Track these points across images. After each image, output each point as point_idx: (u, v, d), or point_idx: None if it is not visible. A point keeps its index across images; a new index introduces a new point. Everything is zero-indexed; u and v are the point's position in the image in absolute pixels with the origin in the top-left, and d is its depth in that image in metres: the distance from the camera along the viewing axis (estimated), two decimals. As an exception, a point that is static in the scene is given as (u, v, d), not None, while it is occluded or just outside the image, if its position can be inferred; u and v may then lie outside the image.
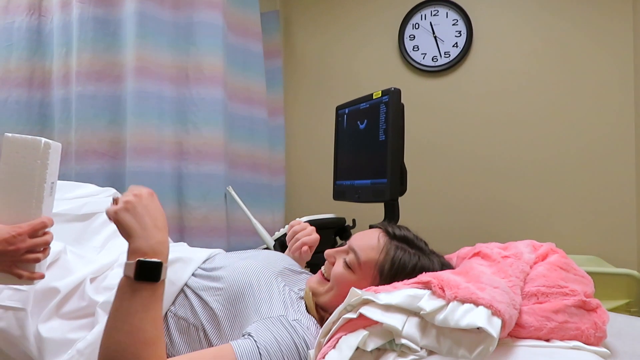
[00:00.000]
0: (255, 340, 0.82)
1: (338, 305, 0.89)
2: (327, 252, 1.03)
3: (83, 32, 1.86)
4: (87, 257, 1.13)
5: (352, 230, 1.86)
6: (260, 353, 0.80)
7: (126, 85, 1.87)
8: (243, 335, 0.85)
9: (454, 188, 2.36)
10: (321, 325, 0.92)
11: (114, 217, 0.83)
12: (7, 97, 1.94)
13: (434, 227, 2.27)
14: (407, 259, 0.94)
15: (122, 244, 1.24)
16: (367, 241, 0.97)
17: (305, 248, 1.17)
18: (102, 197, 1.42)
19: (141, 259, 0.78)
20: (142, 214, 0.84)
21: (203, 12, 1.94)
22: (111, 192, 1.47)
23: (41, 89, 1.98)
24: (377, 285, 0.90)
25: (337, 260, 1.00)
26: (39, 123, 1.97)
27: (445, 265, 0.97)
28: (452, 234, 2.28)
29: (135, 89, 1.84)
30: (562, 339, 0.78)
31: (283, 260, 1.14)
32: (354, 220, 1.90)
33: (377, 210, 1.73)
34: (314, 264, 1.37)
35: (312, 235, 1.20)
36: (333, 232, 1.85)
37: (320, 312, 0.97)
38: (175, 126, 1.93)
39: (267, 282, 0.97)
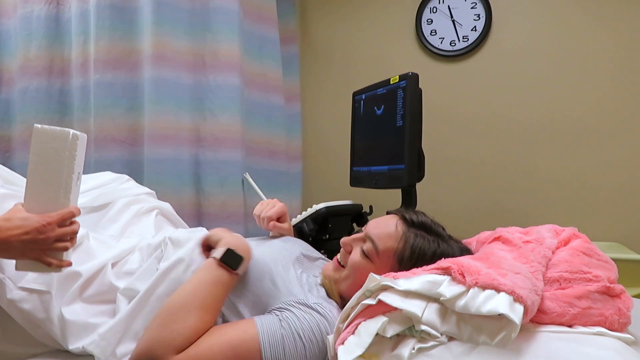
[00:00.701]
0: (277, 314, 0.85)
1: (354, 292, 0.90)
2: (344, 240, 1.01)
3: (100, 19, 1.87)
4: (108, 242, 1.15)
5: (369, 217, 1.85)
6: (281, 325, 0.83)
7: (143, 72, 1.88)
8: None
9: (472, 174, 2.33)
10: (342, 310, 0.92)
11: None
12: (28, 85, 1.97)
13: (452, 212, 2.25)
14: (427, 246, 0.92)
15: (141, 230, 1.27)
16: (385, 229, 0.96)
17: (272, 224, 1.21)
18: (115, 185, 1.43)
19: (231, 248, 0.93)
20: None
21: (219, -2, 1.93)
22: (124, 178, 1.49)
23: (60, 77, 2.00)
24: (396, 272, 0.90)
25: (354, 249, 0.99)
26: (58, 111, 2.00)
27: (465, 251, 0.96)
28: (470, 219, 2.26)
29: (153, 76, 1.84)
30: (585, 325, 0.76)
31: (299, 246, 1.14)
32: (370, 207, 1.89)
33: (394, 196, 1.72)
34: (331, 250, 1.37)
35: (274, 207, 1.23)
36: (350, 218, 1.85)
37: (342, 300, 0.97)
38: (192, 113, 1.94)
39: (285, 269, 0.98)
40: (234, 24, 1.95)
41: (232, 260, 0.92)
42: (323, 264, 1.10)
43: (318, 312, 0.86)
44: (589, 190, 2.15)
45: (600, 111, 2.13)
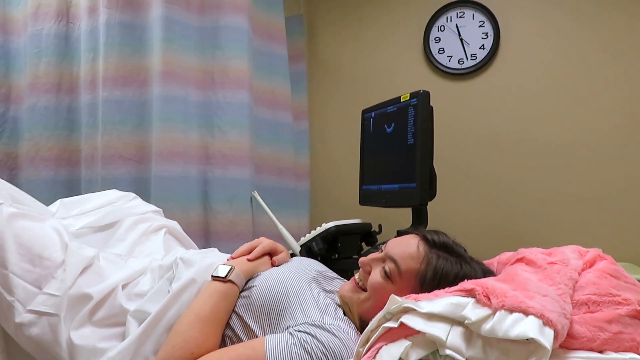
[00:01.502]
0: (290, 334, 0.84)
1: (374, 313, 0.87)
2: (362, 260, 0.98)
3: (110, 37, 1.87)
4: (119, 263, 1.12)
5: (378, 236, 1.83)
6: (293, 344, 0.82)
7: (152, 89, 1.87)
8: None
9: (482, 192, 2.31)
10: (361, 332, 0.89)
11: None
12: (36, 102, 1.97)
13: (463, 231, 2.21)
14: (449, 268, 0.89)
15: (149, 250, 1.24)
16: (406, 249, 0.93)
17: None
18: (121, 203, 1.41)
19: (220, 264, 1.03)
20: None
21: (229, 16, 1.93)
22: (131, 196, 1.47)
23: (69, 94, 2.00)
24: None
25: (373, 269, 0.95)
26: (66, 128, 1.99)
27: (487, 272, 0.93)
28: (481, 238, 2.22)
29: (161, 94, 1.84)
30: (616, 351, 0.73)
31: (315, 265, 1.12)
32: (380, 226, 1.87)
33: (404, 215, 1.70)
34: (341, 269, 1.34)
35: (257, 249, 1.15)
36: (359, 237, 1.82)
37: (361, 322, 0.94)
38: (200, 130, 1.93)
39: (302, 289, 0.95)
40: (243, 41, 1.95)
41: (220, 271, 1.00)
42: (340, 283, 1.07)
43: (333, 334, 0.84)
44: (601, 210, 2.12)
45: (610, 129, 2.12)
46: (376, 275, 0.93)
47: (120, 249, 1.22)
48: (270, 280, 0.98)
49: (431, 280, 0.89)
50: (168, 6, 1.84)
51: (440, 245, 0.93)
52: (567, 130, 2.18)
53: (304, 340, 0.81)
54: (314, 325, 0.85)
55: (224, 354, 0.86)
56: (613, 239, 2.08)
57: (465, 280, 0.82)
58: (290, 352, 0.80)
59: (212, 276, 0.99)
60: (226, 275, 0.98)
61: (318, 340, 0.81)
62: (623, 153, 2.10)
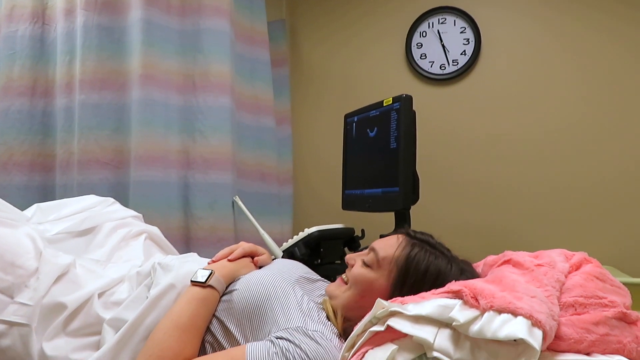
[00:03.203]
0: (271, 341, 0.81)
1: (356, 306, 0.90)
2: (348, 256, 1.01)
3: (87, 39, 1.83)
4: (97, 271, 1.08)
5: (360, 241, 1.82)
6: (274, 351, 0.79)
7: (131, 93, 1.84)
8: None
9: (464, 195, 2.32)
10: (344, 337, 0.87)
11: None
12: (9, 106, 1.91)
13: (446, 234, 2.22)
14: (423, 256, 0.91)
15: (129, 255, 1.21)
16: (387, 241, 0.96)
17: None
18: (100, 208, 1.37)
19: (200, 268, 0.99)
20: None
21: (210, 19, 1.91)
22: (110, 201, 1.43)
23: (44, 98, 1.95)
24: (392, 280, 0.90)
25: (356, 262, 0.97)
26: (41, 132, 1.94)
27: (466, 272, 0.93)
28: (464, 241, 2.22)
29: (141, 97, 1.80)
30: (603, 353, 0.72)
31: (298, 268, 1.10)
32: (362, 231, 1.86)
33: (386, 220, 1.69)
34: (324, 275, 1.32)
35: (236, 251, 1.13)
36: (342, 242, 1.80)
37: (343, 323, 0.92)
38: (181, 135, 1.90)
39: (284, 292, 0.93)
40: (225, 45, 1.93)
41: (200, 275, 0.97)
42: (323, 286, 1.06)
43: (315, 341, 0.81)
44: (579, 211, 2.15)
45: (592, 134, 2.15)
46: (357, 266, 0.96)
47: (99, 254, 1.19)
48: (252, 283, 0.96)
49: (404, 265, 0.90)
50: (148, 9, 1.81)
51: (420, 239, 0.96)
52: (548, 133, 2.20)
53: (285, 348, 0.79)
54: (297, 330, 0.83)
55: None
56: (594, 243, 2.10)
57: (439, 271, 0.87)
58: None
59: (191, 281, 0.96)
60: (206, 280, 0.95)
61: (301, 348, 0.79)
62: (606, 155, 2.13)
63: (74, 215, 1.31)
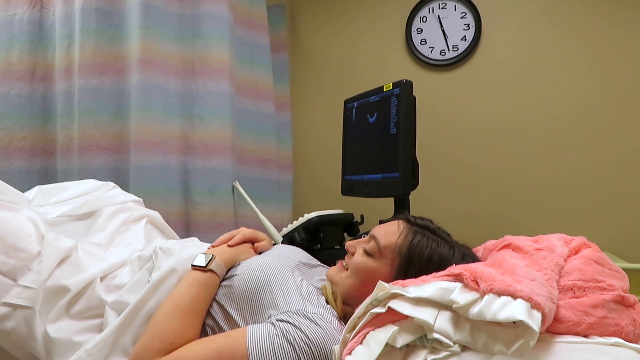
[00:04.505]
0: (271, 324, 0.82)
1: (357, 294, 0.90)
2: (348, 243, 1.01)
3: (86, 23, 1.82)
4: (98, 254, 1.09)
5: (360, 227, 1.82)
6: (275, 334, 0.80)
7: (130, 77, 1.83)
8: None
9: (463, 181, 2.33)
10: (344, 320, 0.88)
11: None
12: (9, 91, 1.90)
13: (445, 220, 2.23)
14: (426, 243, 0.91)
15: (130, 239, 1.21)
16: (388, 228, 0.96)
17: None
18: (100, 192, 1.38)
19: (201, 253, 1.00)
20: None
21: (209, 3, 1.89)
22: (110, 186, 1.43)
23: (43, 83, 1.94)
24: (395, 269, 0.90)
25: (357, 250, 0.97)
26: (41, 117, 1.93)
27: (468, 257, 0.94)
28: (463, 227, 2.23)
29: (140, 82, 1.79)
30: (601, 335, 0.74)
31: (297, 254, 1.11)
32: (362, 216, 1.86)
33: (386, 205, 1.69)
34: (323, 260, 1.33)
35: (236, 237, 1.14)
36: (341, 228, 1.81)
37: (344, 307, 0.93)
38: (181, 120, 1.89)
39: (284, 277, 0.94)
40: (224, 30, 1.92)
41: (201, 260, 0.98)
42: (323, 271, 1.07)
43: (315, 323, 0.82)
44: (578, 197, 2.16)
45: (593, 121, 2.15)
46: (358, 254, 0.96)
47: (100, 238, 1.19)
48: (252, 268, 0.96)
49: (407, 253, 0.90)
50: (146, -8, 1.79)
51: (421, 225, 0.96)
52: (548, 119, 2.20)
53: (286, 330, 0.80)
54: (297, 313, 0.84)
55: (204, 344, 0.84)
56: (592, 229, 2.12)
57: (442, 258, 0.87)
58: (273, 342, 0.79)
59: (192, 265, 0.97)
60: (206, 265, 0.96)
61: (301, 330, 0.80)
62: (606, 141, 2.13)
63: (75, 198, 1.31)
